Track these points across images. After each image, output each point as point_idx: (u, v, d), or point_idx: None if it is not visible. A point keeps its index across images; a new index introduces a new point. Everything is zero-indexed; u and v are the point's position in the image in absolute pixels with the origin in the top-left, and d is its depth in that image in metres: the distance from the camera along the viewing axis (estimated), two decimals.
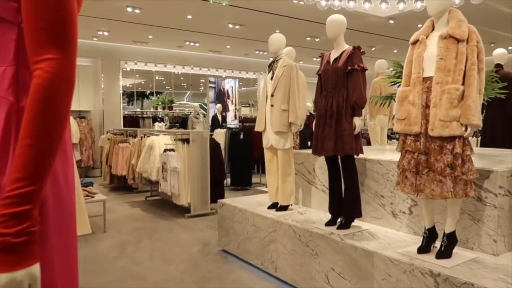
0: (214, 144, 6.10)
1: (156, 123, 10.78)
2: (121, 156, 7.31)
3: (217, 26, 8.20)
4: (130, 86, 11.89)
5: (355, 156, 3.10)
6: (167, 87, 12.47)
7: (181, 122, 10.91)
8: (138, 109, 11.64)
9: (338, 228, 3.12)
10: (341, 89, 3.04)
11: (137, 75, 11.83)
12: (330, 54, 3.21)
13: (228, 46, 10.41)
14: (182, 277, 3.55)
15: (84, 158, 9.40)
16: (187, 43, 9.80)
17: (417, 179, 2.43)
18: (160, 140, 6.20)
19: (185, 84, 12.67)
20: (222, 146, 8.24)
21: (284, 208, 3.76)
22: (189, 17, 7.51)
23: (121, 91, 10.35)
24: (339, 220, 3.22)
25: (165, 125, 10.86)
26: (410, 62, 2.54)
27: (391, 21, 7.57)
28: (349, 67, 3.00)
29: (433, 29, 2.52)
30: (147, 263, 3.91)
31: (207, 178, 5.83)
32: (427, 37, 2.50)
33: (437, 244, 2.55)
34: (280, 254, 3.41)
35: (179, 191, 5.68)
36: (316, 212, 3.80)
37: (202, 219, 5.55)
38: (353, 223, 3.19)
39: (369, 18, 7.60)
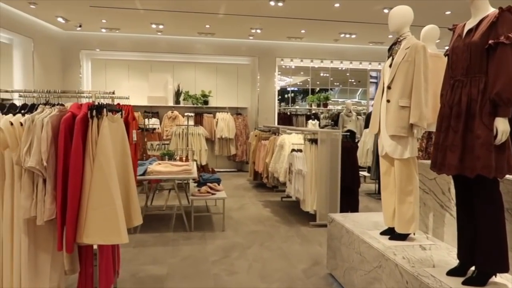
0: (348, 147, 5.33)
1: (310, 121, 10.45)
2: (262, 153, 7.21)
3: (370, 12, 7.25)
4: (300, 83, 11.84)
5: (498, 179, 2.02)
6: (335, 83, 11.99)
7: (336, 120, 10.28)
8: (297, 106, 11.54)
9: (466, 282, 2.10)
10: (476, 75, 2.00)
11: (302, 72, 11.71)
12: (464, 25, 2.17)
13: (390, 36, 9.20)
14: None
15: (238, 153, 9.80)
16: (343, 35, 9.08)
17: None
18: (291, 139, 5.78)
19: (353, 80, 11.94)
20: (371, 148, 7.31)
21: (401, 237, 2.84)
22: (337, 5, 6.82)
23: (276, 88, 10.38)
24: (471, 269, 2.19)
25: (319, 123, 10.43)
26: None
27: None
28: (490, 41, 1.94)
29: None
30: (242, 275, 3.56)
31: (337, 185, 5.13)
32: None
33: None
34: None
35: (304, 196, 5.16)
36: (447, 249, 2.74)
37: (327, 231, 4.89)
38: (493, 279, 2.11)
39: None
